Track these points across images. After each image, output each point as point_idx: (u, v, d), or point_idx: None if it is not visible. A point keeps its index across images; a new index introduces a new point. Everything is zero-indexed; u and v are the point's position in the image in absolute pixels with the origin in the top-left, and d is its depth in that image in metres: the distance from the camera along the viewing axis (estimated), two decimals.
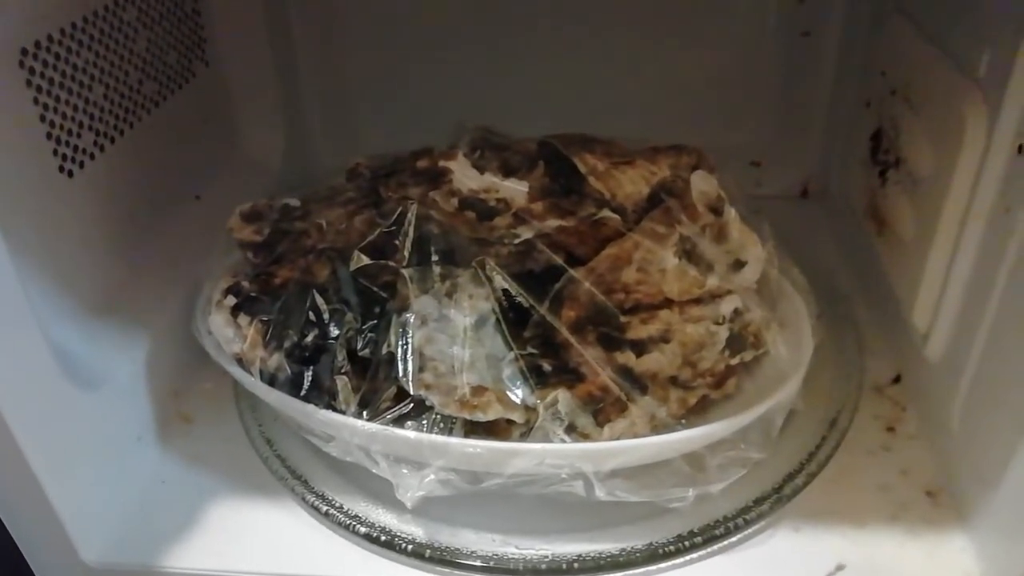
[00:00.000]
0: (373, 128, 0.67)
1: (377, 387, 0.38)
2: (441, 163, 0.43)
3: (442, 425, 0.37)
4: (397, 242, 0.40)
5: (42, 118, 0.41)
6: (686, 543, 0.38)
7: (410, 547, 0.38)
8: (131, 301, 0.46)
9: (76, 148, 0.44)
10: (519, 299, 0.39)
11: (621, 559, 0.38)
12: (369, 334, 0.39)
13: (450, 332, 0.39)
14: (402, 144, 0.50)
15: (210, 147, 0.59)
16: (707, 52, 0.63)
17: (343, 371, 0.38)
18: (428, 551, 0.38)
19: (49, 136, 0.42)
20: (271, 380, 0.40)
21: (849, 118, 0.59)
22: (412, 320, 0.38)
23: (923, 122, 0.44)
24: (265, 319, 0.40)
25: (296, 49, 0.65)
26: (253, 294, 0.41)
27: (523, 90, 0.64)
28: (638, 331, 0.39)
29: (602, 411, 0.37)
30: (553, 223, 0.40)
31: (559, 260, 0.39)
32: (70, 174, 0.43)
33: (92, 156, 0.45)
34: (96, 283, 0.45)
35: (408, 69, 0.65)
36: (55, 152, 0.42)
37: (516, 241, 0.40)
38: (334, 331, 0.39)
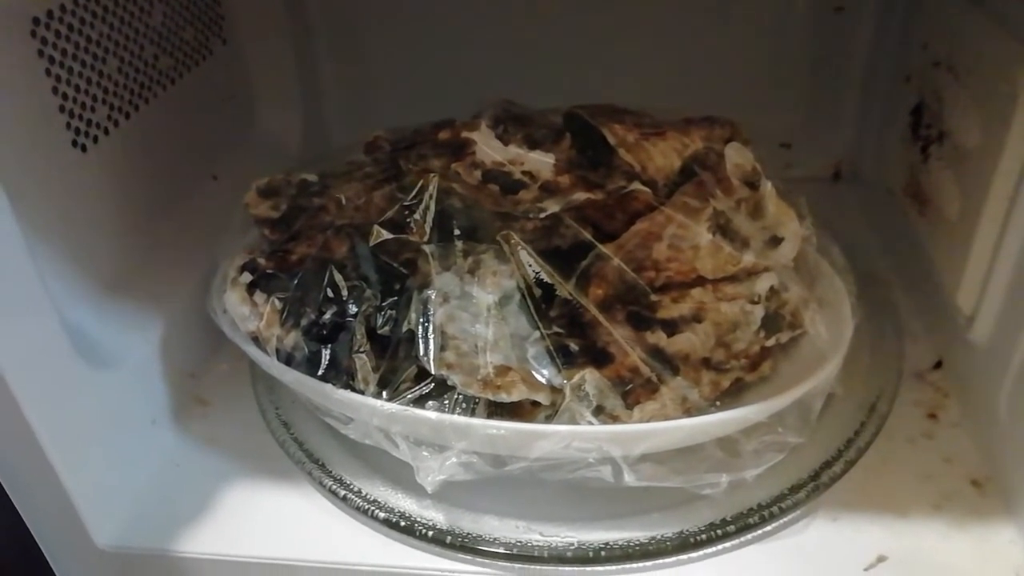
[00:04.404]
0: (392, 106, 0.66)
1: (397, 366, 0.37)
2: (464, 134, 0.41)
3: (464, 406, 0.36)
4: (418, 217, 0.39)
5: (55, 90, 0.40)
6: (719, 531, 0.36)
7: (431, 533, 0.37)
8: (146, 280, 0.46)
9: (90, 122, 0.43)
10: (545, 276, 0.37)
11: (651, 547, 0.36)
12: (389, 311, 0.38)
13: (473, 310, 0.37)
14: (421, 122, 0.48)
15: (227, 126, 0.58)
16: (736, 29, 0.62)
17: (362, 350, 0.37)
18: (449, 537, 0.37)
19: (62, 109, 0.41)
20: (288, 359, 0.39)
21: (885, 95, 0.57)
22: (433, 297, 0.37)
23: (970, 93, 0.42)
24: (282, 296, 0.39)
25: (314, 27, 0.64)
26: (269, 271, 0.40)
27: (545, 70, 0.63)
28: (669, 310, 0.38)
29: (632, 393, 0.36)
30: (580, 197, 0.39)
31: (587, 235, 0.38)
32: (84, 149, 0.42)
33: (106, 131, 0.44)
34: (110, 261, 0.44)
35: (428, 46, 0.64)
36: (68, 125, 0.41)
37: (542, 215, 0.38)
38: (353, 308, 0.38)
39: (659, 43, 0.62)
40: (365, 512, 0.38)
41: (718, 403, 0.38)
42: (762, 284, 0.39)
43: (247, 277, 0.41)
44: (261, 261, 0.41)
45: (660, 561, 0.36)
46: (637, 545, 0.36)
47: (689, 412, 0.36)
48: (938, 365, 0.46)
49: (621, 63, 0.62)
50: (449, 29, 0.63)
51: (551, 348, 0.36)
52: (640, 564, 0.36)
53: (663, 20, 0.61)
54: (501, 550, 0.36)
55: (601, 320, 0.37)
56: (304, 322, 0.38)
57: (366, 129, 0.50)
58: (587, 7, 0.61)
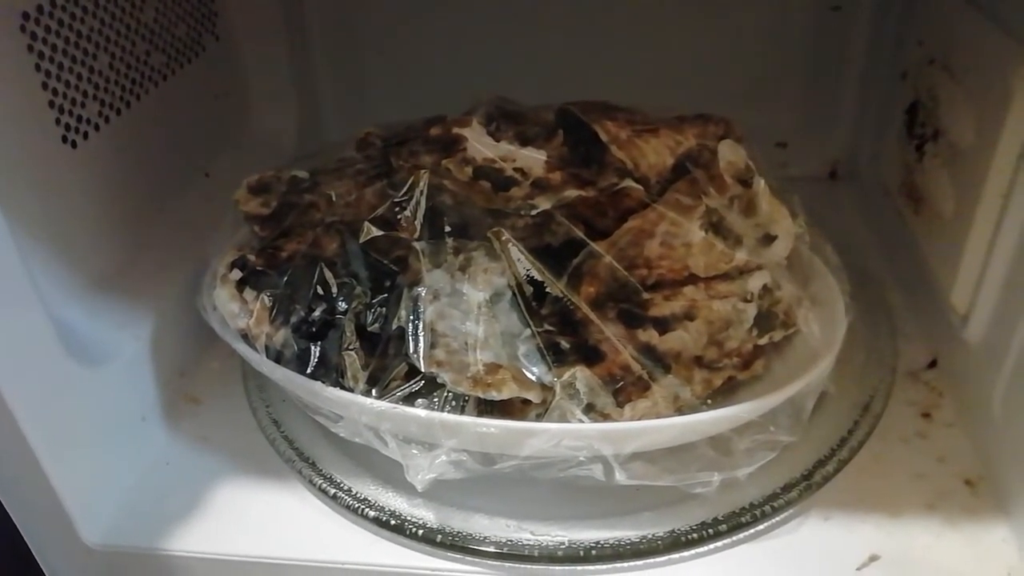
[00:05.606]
0: (387, 105, 0.66)
1: (387, 364, 0.36)
2: (455, 130, 0.41)
3: (454, 404, 0.36)
4: (408, 213, 0.39)
5: (44, 86, 0.40)
6: (710, 531, 0.36)
7: (421, 532, 0.37)
8: (136, 278, 0.45)
9: (80, 118, 0.42)
10: (536, 274, 0.37)
11: (642, 546, 0.36)
12: (379, 309, 0.38)
13: (463, 308, 0.37)
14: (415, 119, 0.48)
15: (220, 123, 0.58)
16: (732, 27, 0.61)
17: (351, 347, 0.37)
18: (439, 536, 0.37)
19: (52, 105, 0.41)
20: (277, 356, 0.38)
21: (881, 93, 0.56)
22: (423, 295, 0.37)
23: (965, 91, 0.42)
24: (271, 293, 0.39)
25: (309, 24, 0.64)
26: (259, 268, 0.40)
27: (541, 67, 0.62)
28: (661, 308, 0.37)
29: (623, 391, 0.35)
30: (572, 194, 0.38)
31: (579, 233, 0.38)
32: (73, 145, 0.42)
33: (97, 127, 0.44)
34: (100, 258, 0.44)
35: (423, 43, 0.63)
36: (58, 121, 0.41)
37: (533, 212, 0.38)
38: (342, 306, 0.38)
39: (656, 41, 0.62)
40: (355, 511, 0.38)
41: (710, 401, 0.37)
42: (755, 282, 0.39)
43: (237, 274, 0.41)
44: (251, 258, 0.41)
45: (651, 560, 0.36)
46: (628, 544, 0.36)
47: (681, 410, 0.36)
48: (932, 364, 0.46)
49: (616, 60, 0.62)
50: (444, 26, 0.63)
51: (542, 346, 0.36)
52: (631, 563, 0.36)
53: (659, 18, 0.61)
54: (491, 549, 0.36)
55: (592, 318, 0.36)
56: (294, 319, 0.38)
57: (361, 126, 0.49)
58: (583, 4, 0.61)
